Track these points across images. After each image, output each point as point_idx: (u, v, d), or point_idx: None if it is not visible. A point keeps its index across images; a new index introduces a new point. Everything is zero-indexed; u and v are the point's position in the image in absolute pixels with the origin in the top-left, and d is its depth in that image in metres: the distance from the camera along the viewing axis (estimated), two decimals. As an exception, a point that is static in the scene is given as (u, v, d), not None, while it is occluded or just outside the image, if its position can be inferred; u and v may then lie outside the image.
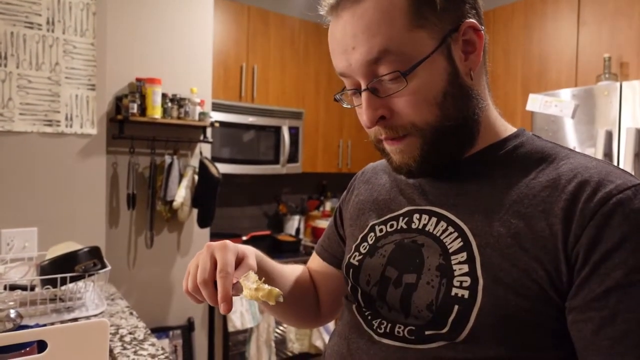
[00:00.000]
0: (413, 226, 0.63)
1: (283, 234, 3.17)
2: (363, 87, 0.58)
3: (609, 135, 1.85)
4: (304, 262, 2.75)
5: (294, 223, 3.25)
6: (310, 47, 3.14)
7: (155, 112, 2.06)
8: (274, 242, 2.97)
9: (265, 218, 3.36)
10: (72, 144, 1.73)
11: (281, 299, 0.55)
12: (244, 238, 2.96)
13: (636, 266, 0.47)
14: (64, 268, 1.38)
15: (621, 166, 1.78)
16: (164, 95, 2.12)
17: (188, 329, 2.32)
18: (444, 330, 0.55)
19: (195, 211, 2.30)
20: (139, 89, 2.08)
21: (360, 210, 0.75)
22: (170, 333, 2.25)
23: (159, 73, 2.16)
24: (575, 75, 2.41)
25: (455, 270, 0.56)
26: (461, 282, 0.55)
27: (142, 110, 2.07)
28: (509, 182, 0.58)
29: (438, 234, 0.60)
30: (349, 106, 0.65)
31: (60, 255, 1.41)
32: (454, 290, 0.55)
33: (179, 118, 2.16)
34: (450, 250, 0.58)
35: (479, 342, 0.53)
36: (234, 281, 0.59)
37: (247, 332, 2.48)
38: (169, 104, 2.14)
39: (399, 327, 0.60)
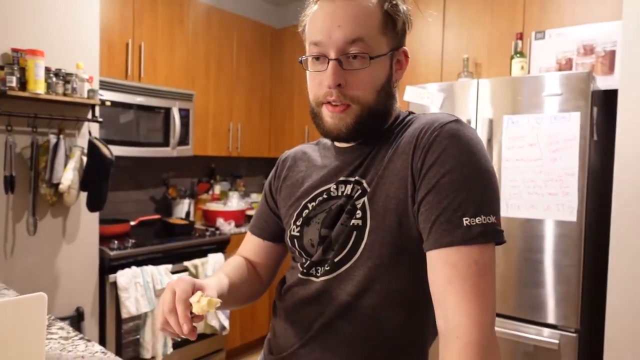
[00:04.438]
0: (333, 194, 0.84)
1: (173, 218, 3.12)
2: (333, 57, 0.76)
3: (468, 124, 2.23)
4: (197, 245, 2.86)
5: (183, 207, 3.20)
6: (200, 28, 3.10)
7: (38, 87, 1.90)
8: (165, 226, 2.90)
9: (152, 202, 3.26)
10: (-60, 118, 1.53)
11: (219, 305, 0.72)
12: (132, 223, 2.86)
13: (443, 173, 0.70)
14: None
15: (478, 149, 2.16)
16: (47, 70, 1.96)
17: (77, 319, 2.20)
18: (346, 250, 0.78)
19: (83, 195, 2.17)
20: (16, 61, 1.89)
21: (291, 193, 0.92)
22: (57, 324, 2.11)
23: (38, 45, 1.98)
24: (441, 71, 2.80)
25: (356, 209, 0.78)
26: (357, 215, 0.78)
27: (22, 84, 1.88)
28: (391, 145, 0.80)
29: (350, 193, 0.82)
30: (308, 69, 0.82)
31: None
32: (352, 221, 0.78)
33: (65, 95, 2.01)
34: (354, 198, 0.80)
35: (371, 255, 0.75)
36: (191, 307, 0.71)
37: (140, 319, 2.42)
38: (54, 79, 1.97)
39: (327, 266, 0.80)
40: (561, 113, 1.97)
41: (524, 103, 2.07)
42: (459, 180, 0.69)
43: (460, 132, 0.73)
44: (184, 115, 2.91)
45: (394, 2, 0.80)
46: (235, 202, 3.30)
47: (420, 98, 2.37)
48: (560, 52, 2.31)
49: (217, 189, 3.53)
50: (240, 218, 3.23)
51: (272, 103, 3.74)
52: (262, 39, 3.59)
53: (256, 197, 3.81)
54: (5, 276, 1.96)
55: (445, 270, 0.68)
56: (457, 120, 0.75)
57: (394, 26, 0.79)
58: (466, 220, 0.68)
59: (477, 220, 0.68)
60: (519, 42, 2.39)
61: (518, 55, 2.38)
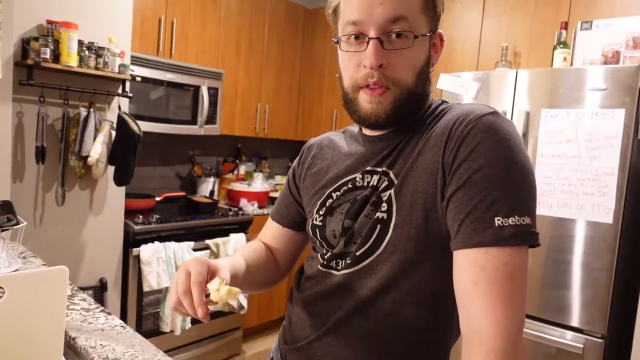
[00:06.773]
0: (358, 184, 0.80)
1: (197, 196, 3.14)
2: (374, 36, 0.72)
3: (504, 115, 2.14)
4: (220, 224, 2.85)
5: (208, 185, 3.23)
6: (232, 6, 3.07)
7: (71, 60, 1.91)
8: (189, 203, 2.93)
9: (177, 179, 3.29)
10: (-25, 87, 1.56)
11: (240, 296, 0.69)
12: (158, 199, 2.89)
13: (476, 168, 0.66)
14: (-24, 222, 1.28)
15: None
16: (80, 43, 1.96)
17: (100, 289, 2.25)
18: (369, 244, 0.75)
19: (110, 168, 2.20)
20: (50, 33, 1.90)
21: (316, 181, 0.89)
22: (82, 294, 2.17)
23: (72, 17, 1.99)
24: (477, 60, 2.69)
25: (382, 201, 0.75)
26: (382, 208, 0.75)
27: (55, 56, 1.90)
28: (422, 136, 0.76)
29: (376, 184, 0.78)
30: (344, 50, 0.77)
31: (-27, 209, 1.29)
32: (377, 214, 0.75)
33: (96, 68, 2.02)
34: (380, 189, 0.76)
35: (395, 250, 0.72)
36: (207, 290, 0.70)
37: (161, 293, 2.46)
38: (86, 52, 1.98)
39: (348, 259, 0.78)
40: (604, 109, 1.86)
41: (564, 96, 1.97)
42: (492, 176, 0.65)
43: (498, 125, 0.68)
44: (213, 94, 2.91)
45: None
46: (259, 183, 3.30)
47: (455, 87, 2.29)
48: (607, 44, 2.18)
49: (242, 169, 3.54)
50: (264, 199, 3.24)
51: (301, 85, 3.69)
52: (294, 20, 3.53)
53: (280, 179, 3.80)
54: (33, 244, 2.02)
55: (471, 272, 0.64)
56: (495, 113, 0.70)
57: (434, 6, 0.76)
58: (498, 220, 0.63)
59: (510, 221, 0.63)
60: (563, 31, 2.27)
61: (561, 45, 2.26)
